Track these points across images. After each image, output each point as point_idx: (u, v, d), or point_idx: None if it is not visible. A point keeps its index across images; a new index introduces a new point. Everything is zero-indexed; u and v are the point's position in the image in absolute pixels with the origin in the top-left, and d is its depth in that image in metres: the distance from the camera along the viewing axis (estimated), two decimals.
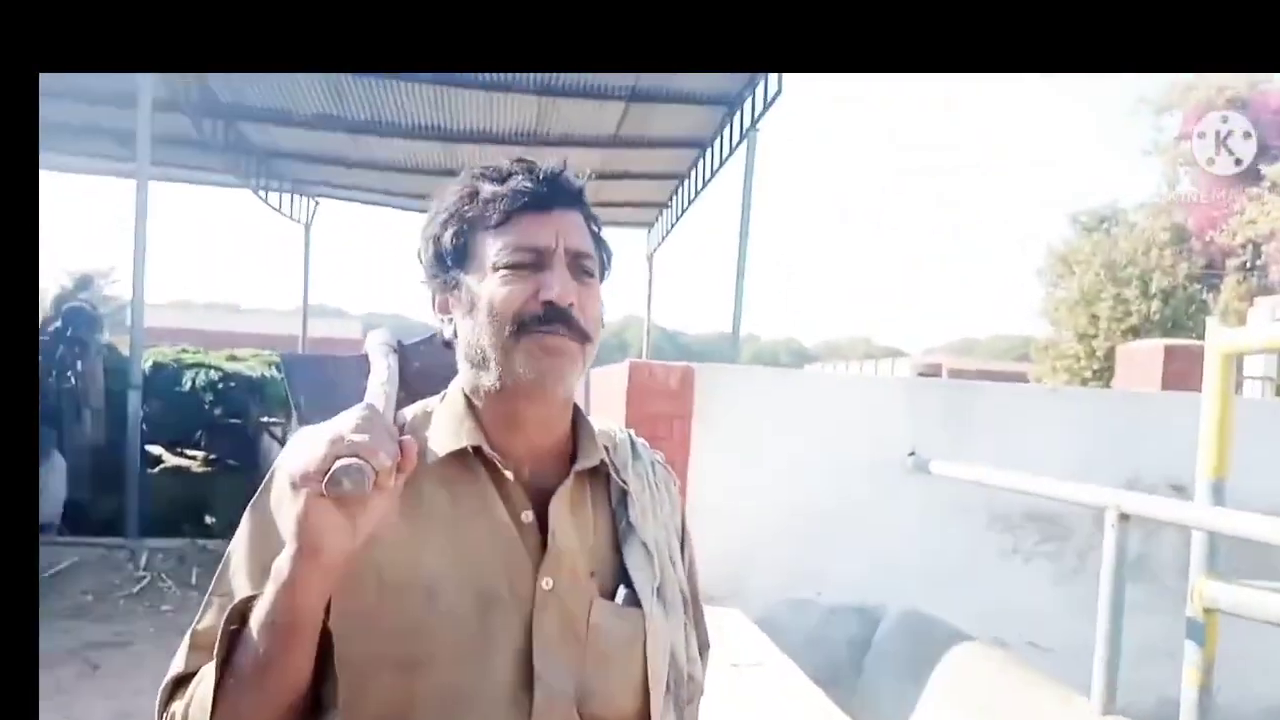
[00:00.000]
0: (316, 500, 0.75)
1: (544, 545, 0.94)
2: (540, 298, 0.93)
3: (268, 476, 0.97)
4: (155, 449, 8.52)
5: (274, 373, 10.31)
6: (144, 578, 5.67)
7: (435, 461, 0.94)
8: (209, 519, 7.65)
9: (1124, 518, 2.81)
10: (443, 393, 1.04)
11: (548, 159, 1.00)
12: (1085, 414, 4.70)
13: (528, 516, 0.95)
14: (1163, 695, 2.90)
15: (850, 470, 4.25)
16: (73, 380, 7.99)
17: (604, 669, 0.94)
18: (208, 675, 0.82)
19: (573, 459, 1.00)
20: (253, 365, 9.95)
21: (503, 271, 0.94)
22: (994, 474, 3.65)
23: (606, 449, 1.05)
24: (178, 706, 0.87)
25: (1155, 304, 17.91)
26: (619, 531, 1.01)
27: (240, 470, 8.98)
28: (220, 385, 9.14)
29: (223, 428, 9.16)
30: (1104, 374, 16.41)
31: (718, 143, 9.20)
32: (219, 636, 0.81)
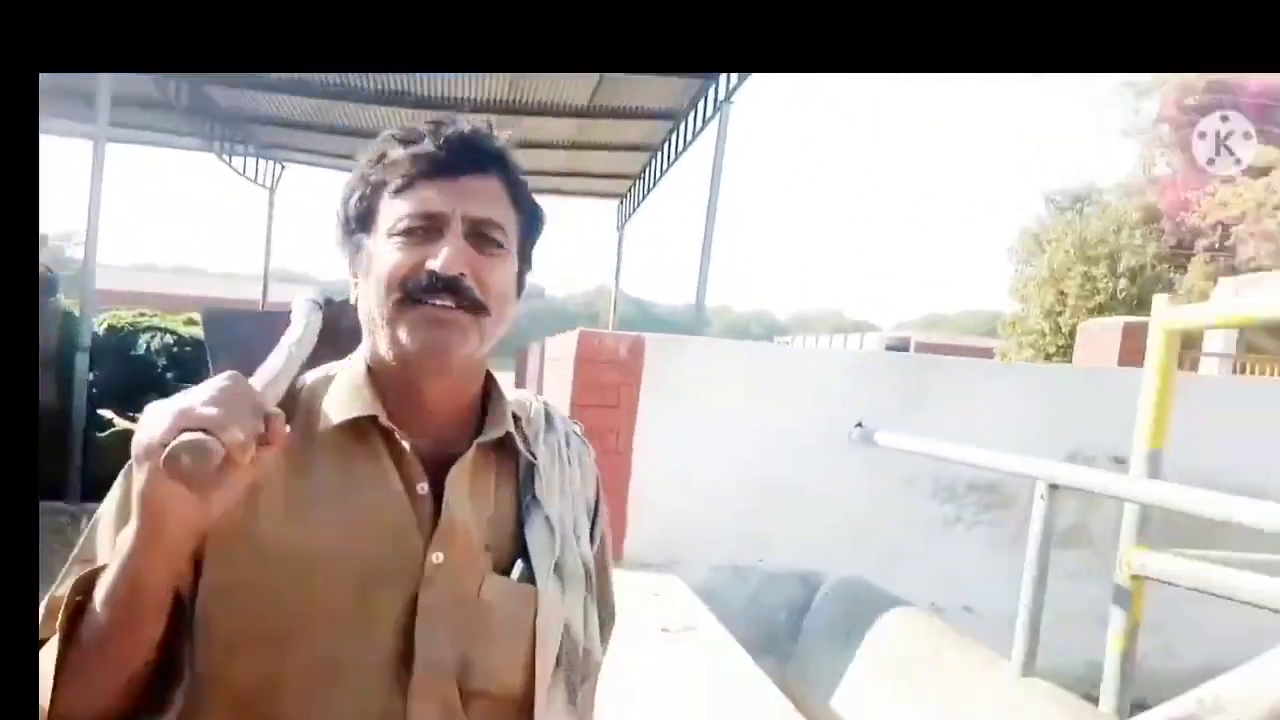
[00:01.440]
0: (157, 475, 0.71)
1: (438, 518, 0.91)
2: (426, 266, 0.90)
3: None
4: (106, 412, 8.43)
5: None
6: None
7: (328, 429, 0.92)
8: None
9: (1054, 488, 2.84)
10: (349, 358, 1.01)
11: (466, 121, 0.96)
12: (1039, 389, 4.74)
13: (423, 488, 0.92)
14: (1091, 659, 2.95)
15: (800, 442, 4.27)
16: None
17: (489, 645, 0.92)
18: (51, 647, 0.80)
19: (479, 430, 0.98)
20: None
21: (395, 238, 0.92)
22: (935, 445, 3.68)
23: (517, 419, 1.02)
24: None
25: (1123, 282, 18.13)
26: (522, 505, 0.99)
27: None
28: (175, 349, 9.02)
29: (173, 391, 9.01)
30: (1068, 351, 16.61)
31: (692, 115, 9.12)
32: (62, 608, 0.79)
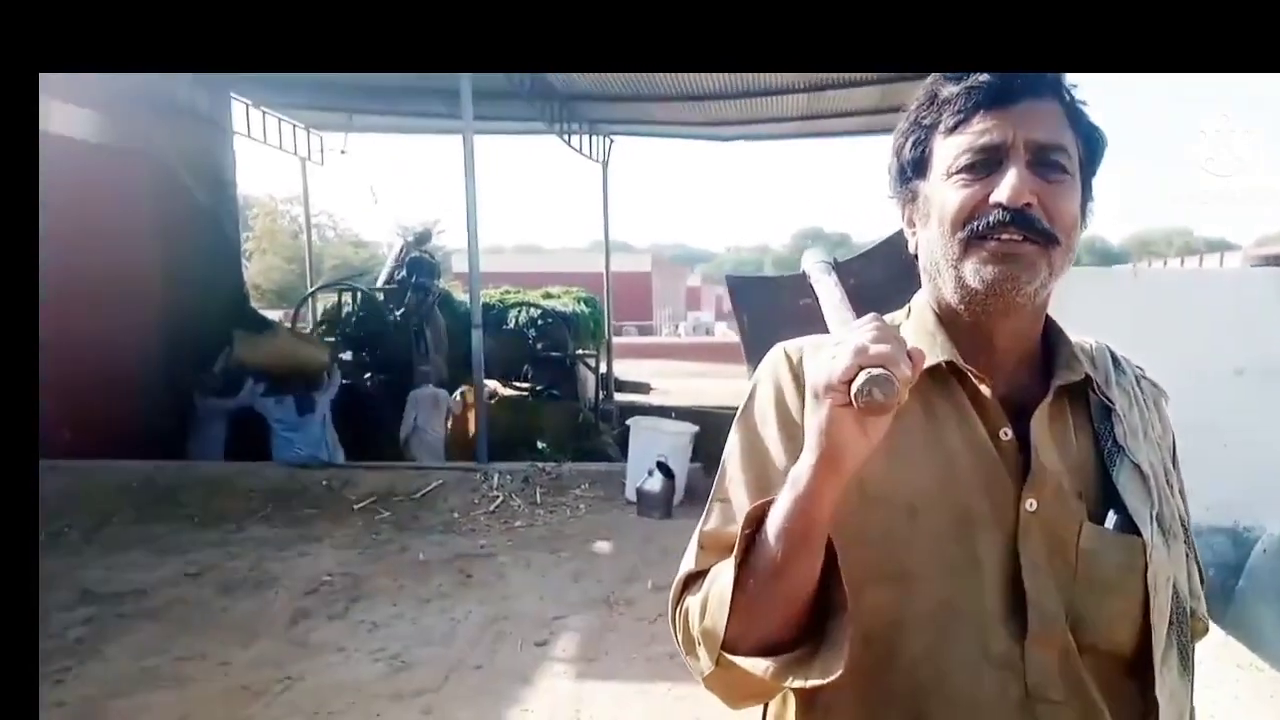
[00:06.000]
0: (841, 410, 0.75)
1: (1025, 465, 0.91)
2: (991, 200, 0.88)
3: (749, 392, 1.01)
4: (490, 383, 9.47)
5: (583, 308, 11.07)
6: (497, 497, 6.34)
7: None
8: (540, 444, 8.42)
9: None
10: (907, 307, 1.03)
11: None
12: None
13: (1006, 434, 0.92)
14: None
15: (1211, 378, 3.80)
16: (420, 323, 9.05)
17: (1098, 598, 0.89)
18: (723, 573, 0.86)
19: (1048, 373, 0.96)
20: (565, 302, 10.72)
21: (955, 176, 0.90)
22: None
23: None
24: (692, 601, 0.92)
25: None
26: (1104, 452, 0.95)
27: (562, 399, 9.81)
28: (540, 321, 9.98)
29: (545, 360, 9.99)
30: None
31: None
32: (738, 539, 0.85)
